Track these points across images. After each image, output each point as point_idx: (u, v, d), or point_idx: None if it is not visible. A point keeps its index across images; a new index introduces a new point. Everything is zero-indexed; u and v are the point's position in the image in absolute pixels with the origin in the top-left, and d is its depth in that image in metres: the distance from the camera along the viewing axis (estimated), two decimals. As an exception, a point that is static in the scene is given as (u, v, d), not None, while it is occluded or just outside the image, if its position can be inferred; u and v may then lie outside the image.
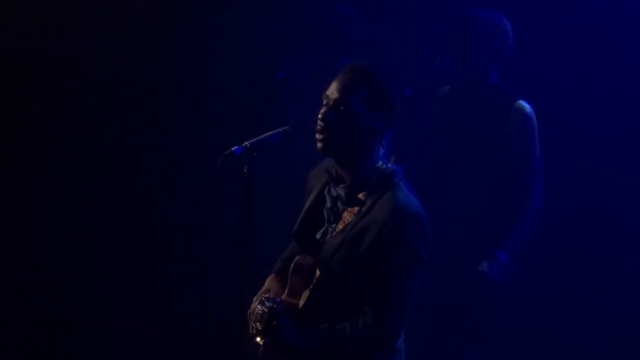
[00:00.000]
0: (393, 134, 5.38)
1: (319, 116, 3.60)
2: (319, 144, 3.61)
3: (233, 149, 3.60)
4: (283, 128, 3.71)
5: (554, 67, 5.91)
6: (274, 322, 3.48)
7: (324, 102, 3.63)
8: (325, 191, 3.71)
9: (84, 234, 6.19)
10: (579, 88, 5.90)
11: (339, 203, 3.65)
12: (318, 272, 3.58)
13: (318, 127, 3.60)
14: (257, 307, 3.55)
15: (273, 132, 3.70)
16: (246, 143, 3.62)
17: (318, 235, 3.68)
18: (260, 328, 3.50)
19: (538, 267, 5.85)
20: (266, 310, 3.48)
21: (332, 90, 3.62)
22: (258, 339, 3.52)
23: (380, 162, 3.63)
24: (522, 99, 5.26)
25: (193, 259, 6.08)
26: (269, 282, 3.80)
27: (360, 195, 3.60)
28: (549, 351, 5.94)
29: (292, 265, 3.65)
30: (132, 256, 6.19)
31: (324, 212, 3.69)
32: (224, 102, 6.16)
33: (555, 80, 5.90)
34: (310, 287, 3.58)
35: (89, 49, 6.19)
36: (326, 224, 3.68)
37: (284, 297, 3.65)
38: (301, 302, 3.59)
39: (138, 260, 6.19)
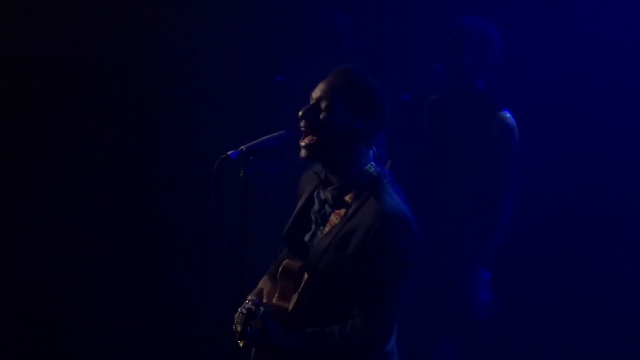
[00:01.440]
0: (389, 138, 5.44)
1: (300, 113, 3.62)
2: (302, 152, 3.61)
3: (229, 153, 3.60)
4: (279, 132, 3.72)
5: (544, 72, 5.94)
6: (260, 325, 3.48)
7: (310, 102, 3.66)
8: (315, 194, 3.71)
9: (83, 237, 6.19)
10: (570, 91, 5.92)
11: (326, 206, 3.65)
12: (306, 275, 3.59)
13: (301, 125, 3.61)
14: (238, 310, 3.53)
15: (269, 136, 3.71)
16: (242, 147, 3.63)
17: (306, 238, 3.69)
18: (239, 330, 3.48)
19: (531, 267, 5.87)
20: (245, 313, 3.48)
21: (316, 90, 3.64)
22: (238, 342, 3.51)
23: (369, 165, 3.63)
24: (506, 109, 5.29)
25: (191, 262, 6.09)
26: (262, 282, 3.81)
27: (347, 198, 3.60)
28: (541, 349, 5.97)
29: (279, 270, 3.66)
30: (131, 259, 6.19)
31: (312, 215, 3.70)
32: (221, 106, 6.16)
33: (545, 84, 5.92)
34: (299, 290, 3.59)
35: (87, 53, 6.20)
36: (314, 227, 3.68)
37: (274, 300, 3.66)
38: (291, 306, 3.60)
39: (136, 263, 6.19)
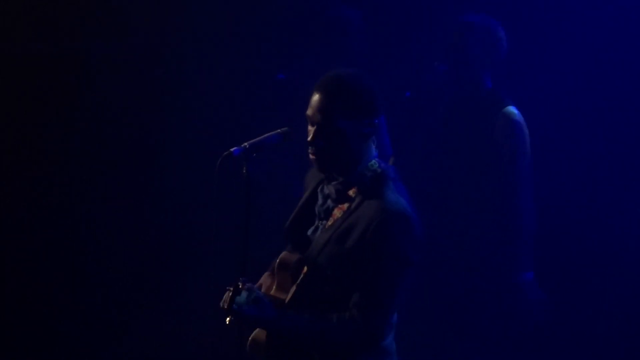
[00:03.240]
0: (393, 136, 5.43)
1: (309, 140, 3.61)
2: (316, 166, 3.64)
3: (232, 150, 3.61)
4: (282, 129, 3.72)
5: (550, 70, 5.93)
6: (254, 298, 3.47)
7: (309, 122, 3.63)
8: (319, 189, 3.72)
9: (84, 234, 6.19)
10: (576, 91, 5.91)
11: (329, 200, 3.66)
12: (306, 267, 3.59)
13: (310, 150, 3.61)
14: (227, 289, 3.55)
15: (272, 133, 3.71)
16: (245, 144, 3.63)
17: (309, 232, 3.69)
18: (226, 307, 3.49)
19: (540, 270, 5.86)
20: (231, 289, 3.48)
21: (314, 113, 3.60)
22: (227, 320, 3.51)
23: (373, 161, 3.63)
24: (512, 104, 5.26)
25: (192, 260, 6.09)
26: (263, 279, 3.81)
27: (351, 192, 3.61)
28: (551, 352, 5.95)
29: (277, 262, 3.67)
30: (132, 257, 6.19)
31: (316, 209, 3.70)
32: (224, 103, 6.17)
33: (552, 84, 5.91)
34: (298, 282, 3.59)
35: (89, 51, 6.21)
36: (317, 221, 3.69)
37: (272, 292, 3.66)
38: (288, 297, 3.60)
39: (138, 261, 6.19)
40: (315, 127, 3.60)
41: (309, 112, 3.62)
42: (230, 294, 3.48)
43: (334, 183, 3.64)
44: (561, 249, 5.94)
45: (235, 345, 3.63)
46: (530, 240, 5.21)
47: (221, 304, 3.52)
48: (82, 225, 6.19)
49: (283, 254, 3.68)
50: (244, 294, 3.50)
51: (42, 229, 6.19)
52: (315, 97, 3.60)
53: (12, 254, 6.15)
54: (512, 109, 5.24)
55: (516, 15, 5.77)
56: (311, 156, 3.63)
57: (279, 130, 3.72)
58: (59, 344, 6.11)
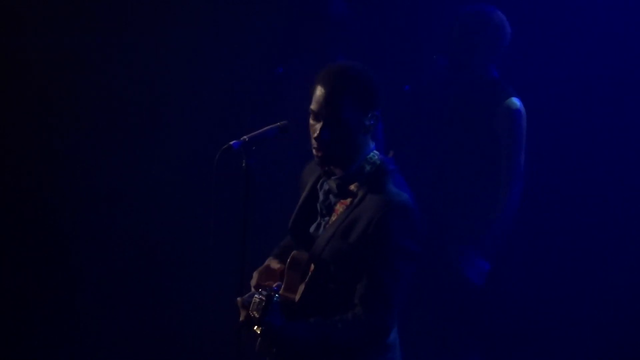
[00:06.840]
0: (392, 130, 5.43)
1: (314, 136, 3.57)
2: (318, 160, 3.60)
3: (232, 143, 3.61)
4: (281, 122, 3.72)
5: (552, 64, 5.93)
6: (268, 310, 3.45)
7: (312, 116, 3.60)
8: (318, 185, 3.70)
9: (80, 232, 6.18)
10: (576, 85, 5.91)
11: (331, 196, 3.64)
12: (313, 266, 3.57)
13: (315, 144, 3.58)
14: (255, 297, 3.50)
15: (271, 126, 3.71)
16: (245, 137, 3.63)
17: (312, 229, 3.67)
18: (257, 316, 3.44)
19: (534, 266, 5.86)
20: (263, 299, 3.43)
21: (320, 107, 3.57)
22: (255, 328, 3.47)
23: (372, 154, 3.62)
24: (515, 96, 5.26)
25: (191, 254, 6.09)
26: (269, 261, 3.79)
27: (352, 187, 3.59)
28: (547, 350, 5.95)
29: (288, 261, 3.64)
30: (131, 252, 6.18)
31: (317, 205, 3.68)
32: (223, 97, 6.16)
33: (553, 77, 5.91)
34: (306, 280, 3.57)
35: (87, 46, 6.20)
36: (319, 218, 3.67)
37: (281, 292, 3.62)
38: (297, 297, 3.58)
39: (137, 256, 6.19)
40: (322, 122, 3.56)
41: (314, 107, 3.58)
42: (264, 304, 3.43)
43: (334, 178, 3.62)
44: (559, 246, 5.95)
45: (235, 345, 3.62)
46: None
47: (252, 314, 3.47)
48: (77, 223, 6.18)
49: (294, 253, 3.65)
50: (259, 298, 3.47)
51: (36, 228, 6.18)
52: (320, 91, 3.57)
53: (6, 255, 6.14)
54: (515, 101, 5.24)
55: (518, 7, 5.76)
56: (315, 152, 3.59)
57: (278, 123, 3.72)
58: (55, 345, 6.10)
